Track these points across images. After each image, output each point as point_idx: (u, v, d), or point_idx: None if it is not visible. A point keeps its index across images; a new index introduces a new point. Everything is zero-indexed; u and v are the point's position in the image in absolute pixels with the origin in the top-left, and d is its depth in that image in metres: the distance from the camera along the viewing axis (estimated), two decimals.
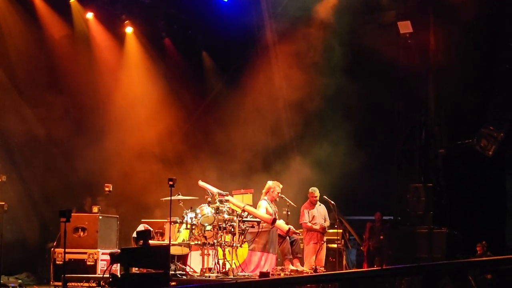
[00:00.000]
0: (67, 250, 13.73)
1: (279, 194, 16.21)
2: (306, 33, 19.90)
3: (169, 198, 14.38)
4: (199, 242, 14.94)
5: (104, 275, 13.98)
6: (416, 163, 18.74)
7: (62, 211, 12.91)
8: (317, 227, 16.63)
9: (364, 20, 19.38)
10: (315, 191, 16.88)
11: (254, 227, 15.49)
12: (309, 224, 16.63)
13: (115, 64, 20.71)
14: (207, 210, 15.02)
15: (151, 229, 15.28)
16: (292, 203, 16.52)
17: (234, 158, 19.59)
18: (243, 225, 15.22)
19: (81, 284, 14.89)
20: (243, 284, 11.45)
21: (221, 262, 14.96)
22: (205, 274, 14.64)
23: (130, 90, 20.49)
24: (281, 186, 16.30)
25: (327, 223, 16.93)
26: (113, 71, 20.60)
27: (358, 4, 19.31)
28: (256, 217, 15.49)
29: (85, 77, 20.06)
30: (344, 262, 18.32)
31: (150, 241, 14.09)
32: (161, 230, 16.18)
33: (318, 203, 16.93)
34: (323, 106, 19.81)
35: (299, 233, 16.51)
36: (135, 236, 14.56)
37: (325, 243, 16.88)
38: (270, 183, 16.29)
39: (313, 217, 16.73)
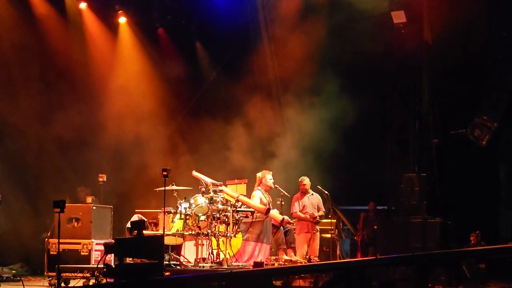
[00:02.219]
0: (61, 240, 13.66)
1: (273, 183, 16.21)
2: (300, 22, 19.86)
3: (163, 188, 14.40)
4: (193, 232, 14.96)
5: (98, 266, 13.99)
6: (409, 153, 18.70)
7: (56, 202, 12.84)
8: (307, 216, 16.64)
9: (358, 9, 19.31)
10: (304, 179, 16.89)
11: (248, 217, 15.51)
12: (299, 214, 16.65)
13: (109, 55, 20.68)
14: (201, 200, 15.05)
15: (145, 219, 15.33)
16: (286, 193, 16.57)
17: (228, 148, 19.57)
18: (237, 215, 15.24)
19: (75, 274, 14.93)
20: (237, 274, 11.46)
21: (215, 252, 14.99)
22: (199, 264, 14.67)
23: (124, 80, 20.46)
24: (270, 172, 16.33)
25: (321, 213, 16.94)
26: (107, 61, 20.57)
27: None
28: (250, 207, 15.51)
29: (79, 68, 20.00)
30: (338, 252, 18.39)
31: (144, 231, 14.09)
32: (155, 220, 16.20)
33: (311, 192, 16.94)
34: (317, 96, 19.78)
35: (293, 223, 16.54)
36: (129, 226, 14.57)
37: (318, 233, 16.88)
38: (259, 174, 16.33)
39: (304, 206, 16.73)
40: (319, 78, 19.72)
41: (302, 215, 16.64)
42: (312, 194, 16.96)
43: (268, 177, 16.18)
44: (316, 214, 16.76)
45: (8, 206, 18.15)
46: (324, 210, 17.04)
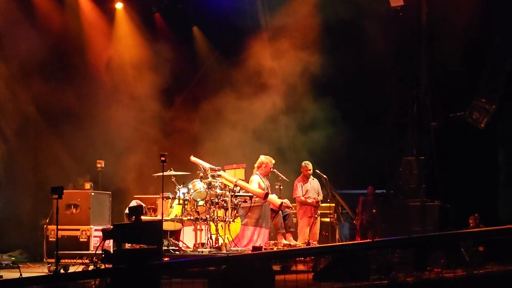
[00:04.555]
0: (60, 227, 13.74)
1: (271, 169, 16.23)
2: (297, 6, 19.82)
3: (161, 173, 14.39)
4: (191, 218, 14.96)
5: (97, 252, 13.99)
6: (408, 136, 18.71)
7: (54, 188, 12.85)
8: (310, 200, 16.68)
9: None
10: (308, 164, 16.93)
11: (246, 201, 15.51)
12: (303, 198, 16.68)
13: (106, 40, 20.61)
14: (199, 185, 15.04)
15: (144, 205, 15.32)
16: (284, 177, 16.57)
17: (226, 133, 19.56)
18: (236, 200, 15.24)
19: (74, 260, 14.89)
20: (234, 258, 11.46)
21: (214, 237, 14.99)
22: (198, 249, 14.67)
23: (121, 66, 20.41)
24: (273, 161, 16.32)
25: (320, 197, 16.99)
26: (104, 47, 20.51)
27: None
28: (248, 192, 15.50)
29: (75, 54, 19.95)
30: (337, 236, 18.38)
31: (143, 217, 14.07)
32: (153, 206, 16.21)
33: (311, 177, 16.97)
34: (314, 80, 19.75)
35: (292, 207, 16.53)
36: (128, 212, 14.56)
37: (319, 217, 16.94)
38: (262, 157, 16.30)
39: (307, 191, 16.78)
40: (316, 61, 19.65)
41: (306, 200, 16.66)
42: (313, 179, 17.01)
43: (269, 164, 16.19)
44: (318, 198, 16.85)
45: (7, 193, 18.14)
46: (322, 194, 17.12)
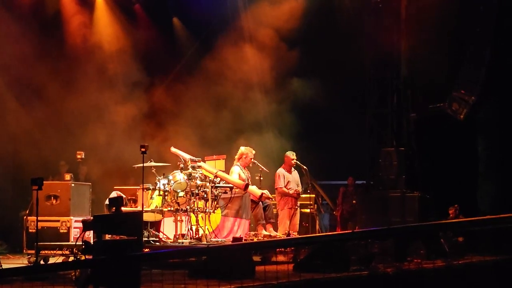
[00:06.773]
0: (39, 218, 13.69)
1: (252, 160, 16.25)
2: None
3: (141, 164, 14.37)
4: (172, 209, 14.97)
5: (77, 243, 13.95)
6: (388, 127, 18.73)
7: (33, 179, 12.83)
8: (292, 192, 16.69)
9: None
10: (293, 154, 16.92)
11: (227, 192, 15.53)
12: (285, 189, 16.67)
13: (85, 32, 20.49)
14: (179, 176, 15.04)
15: (124, 196, 15.26)
16: (264, 168, 16.58)
17: (206, 124, 19.56)
18: (216, 191, 15.25)
19: (54, 252, 14.89)
20: (214, 249, 11.47)
21: (194, 228, 15.01)
22: (179, 240, 14.69)
23: (101, 57, 20.31)
24: (253, 152, 16.34)
25: (300, 189, 17.01)
26: (83, 39, 20.39)
27: None
28: (228, 183, 15.52)
29: (54, 47, 19.81)
30: (317, 227, 18.44)
31: (123, 208, 14.04)
32: (134, 197, 16.19)
33: (292, 168, 16.98)
34: (294, 69, 19.78)
35: (272, 198, 16.55)
36: (108, 203, 14.54)
37: (299, 208, 16.96)
38: (242, 149, 16.31)
39: (288, 182, 16.78)
40: (296, 54, 19.67)
41: (287, 191, 16.66)
42: (294, 170, 17.02)
43: (249, 155, 16.19)
44: (299, 190, 16.88)
45: None
46: (301, 186, 17.16)
